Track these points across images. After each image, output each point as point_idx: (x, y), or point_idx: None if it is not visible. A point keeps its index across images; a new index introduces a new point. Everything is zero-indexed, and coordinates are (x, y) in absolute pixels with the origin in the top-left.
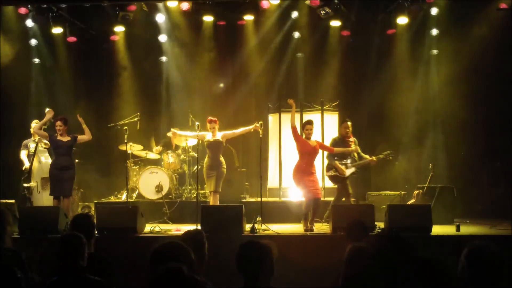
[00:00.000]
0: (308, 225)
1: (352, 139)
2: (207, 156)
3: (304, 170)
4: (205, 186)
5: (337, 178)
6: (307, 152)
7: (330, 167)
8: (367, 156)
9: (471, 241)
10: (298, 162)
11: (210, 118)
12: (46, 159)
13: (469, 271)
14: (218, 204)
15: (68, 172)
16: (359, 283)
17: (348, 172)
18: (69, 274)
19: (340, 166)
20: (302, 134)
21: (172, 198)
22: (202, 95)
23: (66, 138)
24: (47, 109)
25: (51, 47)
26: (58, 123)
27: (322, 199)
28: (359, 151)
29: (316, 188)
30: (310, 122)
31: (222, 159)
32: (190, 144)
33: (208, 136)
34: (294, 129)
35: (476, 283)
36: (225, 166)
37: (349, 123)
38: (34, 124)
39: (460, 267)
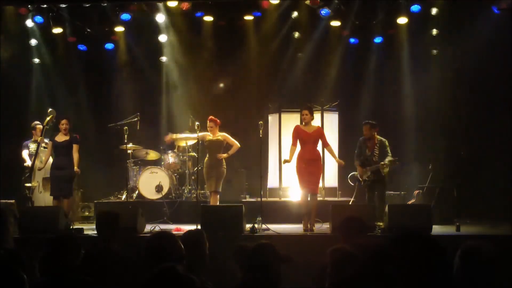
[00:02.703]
0: (308, 225)
1: (377, 140)
2: (207, 155)
3: (303, 158)
4: (205, 186)
5: (355, 179)
6: (302, 139)
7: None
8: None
9: (465, 241)
10: (299, 150)
11: (211, 117)
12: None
13: (464, 271)
14: (218, 204)
15: (65, 172)
16: None
17: (364, 175)
18: (61, 274)
19: (359, 168)
20: (302, 122)
21: (172, 198)
22: (202, 95)
23: (64, 138)
24: (49, 109)
25: (51, 47)
26: (65, 121)
27: (322, 199)
28: (389, 153)
29: (313, 182)
30: (305, 108)
31: (220, 157)
32: (190, 143)
33: (209, 135)
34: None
35: (471, 283)
36: (225, 166)
37: (365, 125)
38: (38, 126)
39: (455, 267)
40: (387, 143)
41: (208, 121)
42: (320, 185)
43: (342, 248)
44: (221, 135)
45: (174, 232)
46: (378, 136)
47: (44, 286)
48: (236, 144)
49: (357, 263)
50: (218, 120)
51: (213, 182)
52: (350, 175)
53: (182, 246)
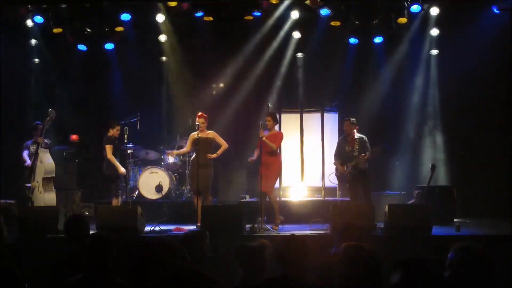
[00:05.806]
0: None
1: (356, 137)
2: (194, 154)
3: (261, 162)
4: (191, 184)
5: (341, 177)
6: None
7: (335, 167)
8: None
9: (457, 242)
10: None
11: (200, 113)
12: (48, 159)
13: (457, 271)
14: (210, 204)
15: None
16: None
17: (345, 171)
18: (95, 274)
19: (339, 165)
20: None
21: (172, 198)
22: (202, 95)
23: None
24: (49, 110)
25: (51, 47)
26: (118, 127)
27: (322, 199)
28: (369, 148)
29: (265, 184)
30: (267, 114)
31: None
32: None
33: (196, 132)
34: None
35: (464, 283)
36: (212, 166)
37: (346, 121)
38: (40, 126)
39: (448, 267)
40: (366, 139)
41: (197, 117)
42: (320, 185)
43: (356, 244)
44: (211, 133)
45: (174, 232)
46: (357, 134)
47: (80, 284)
48: (225, 144)
49: (371, 259)
50: (206, 117)
51: (203, 181)
52: (336, 175)
53: (177, 251)
